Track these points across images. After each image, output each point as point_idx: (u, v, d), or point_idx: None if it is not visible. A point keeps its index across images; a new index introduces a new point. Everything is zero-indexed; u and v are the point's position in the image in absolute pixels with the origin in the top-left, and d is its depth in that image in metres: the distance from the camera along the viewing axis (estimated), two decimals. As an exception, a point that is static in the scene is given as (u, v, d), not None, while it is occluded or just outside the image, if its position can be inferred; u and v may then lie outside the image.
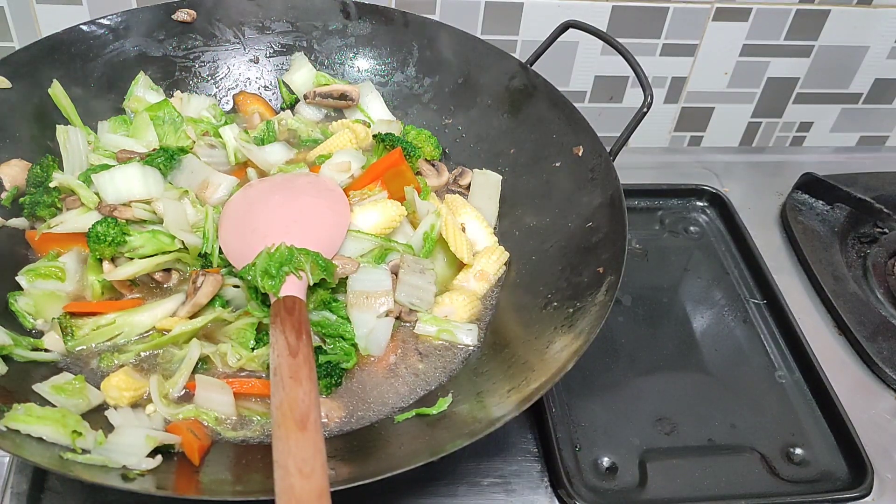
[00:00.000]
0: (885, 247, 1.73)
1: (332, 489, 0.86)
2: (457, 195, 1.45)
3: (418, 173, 1.45)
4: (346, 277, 1.22)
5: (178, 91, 1.54)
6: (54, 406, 1.04)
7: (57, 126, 1.35)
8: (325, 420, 1.14)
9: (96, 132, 1.42)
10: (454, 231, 1.32)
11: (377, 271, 1.25)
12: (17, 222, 1.29)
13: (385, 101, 1.59)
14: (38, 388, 1.06)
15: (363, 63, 1.62)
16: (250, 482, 1.02)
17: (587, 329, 1.11)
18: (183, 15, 1.52)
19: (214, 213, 1.27)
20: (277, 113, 1.59)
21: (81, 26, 1.44)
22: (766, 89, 1.93)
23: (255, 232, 1.23)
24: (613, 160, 1.32)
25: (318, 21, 1.60)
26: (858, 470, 1.31)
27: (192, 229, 1.26)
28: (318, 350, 1.17)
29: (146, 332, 1.19)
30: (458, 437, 1.01)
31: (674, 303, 1.59)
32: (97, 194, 1.26)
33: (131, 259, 1.22)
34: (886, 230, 1.76)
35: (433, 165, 1.49)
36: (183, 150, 1.35)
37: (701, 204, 1.81)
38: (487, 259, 1.34)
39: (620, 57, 1.34)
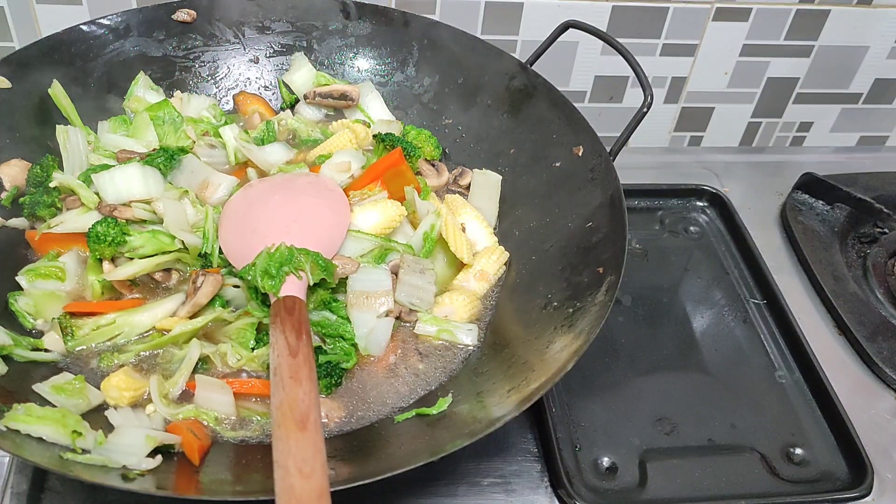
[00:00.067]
0: (885, 247, 1.73)
1: (332, 489, 0.86)
2: (457, 195, 1.45)
3: (418, 173, 1.45)
4: (346, 277, 1.22)
5: (178, 91, 1.54)
6: (54, 406, 1.04)
7: (57, 126, 1.35)
8: (325, 420, 1.14)
9: (96, 132, 1.42)
10: (454, 231, 1.32)
11: (377, 271, 1.25)
12: (17, 222, 1.29)
13: (385, 101, 1.60)
14: (38, 388, 1.06)
15: (363, 63, 1.62)
16: (250, 482, 1.02)
17: (587, 329, 1.11)
18: (183, 15, 1.52)
19: (214, 213, 1.27)
20: (277, 113, 1.59)
21: (81, 26, 1.44)
22: (766, 89, 1.93)
23: (255, 232, 1.23)
24: (613, 160, 1.32)
25: (318, 21, 1.60)
26: (858, 470, 1.31)
27: (192, 229, 1.26)
28: (318, 350, 1.17)
29: (146, 332, 1.19)
30: (458, 437, 1.01)
31: (674, 303, 1.59)
32: (97, 194, 1.26)
33: (131, 259, 1.22)
34: (886, 230, 1.76)
35: (433, 165, 1.49)
36: (183, 150, 1.35)
37: (701, 204, 1.81)
38: (487, 259, 1.34)
39: (620, 57, 1.34)
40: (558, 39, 1.46)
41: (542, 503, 1.25)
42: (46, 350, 1.15)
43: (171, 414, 1.09)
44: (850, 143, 2.09)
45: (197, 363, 1.15)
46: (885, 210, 1.72)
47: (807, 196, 1.81)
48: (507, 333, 1.26)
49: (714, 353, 1.49)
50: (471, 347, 1.25)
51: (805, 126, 2.03)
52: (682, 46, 1.81)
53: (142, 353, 1.17)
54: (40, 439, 0.98)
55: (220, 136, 1.43)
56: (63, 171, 1.32)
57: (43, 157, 1.32)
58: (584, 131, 1.37)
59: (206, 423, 1.10)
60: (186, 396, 1.13)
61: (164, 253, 1.22)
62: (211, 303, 1.20)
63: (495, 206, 1.45)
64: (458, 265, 1.35)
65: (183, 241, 1.23)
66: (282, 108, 1.61)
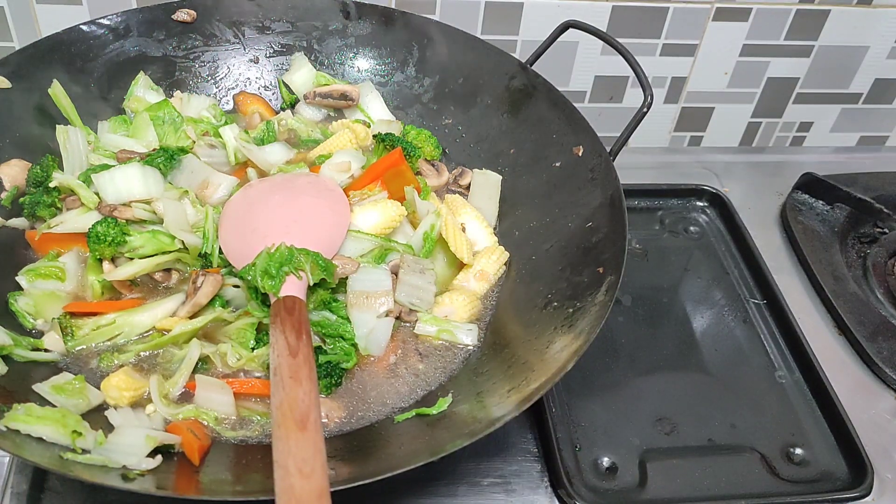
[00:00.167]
0: (885, 247, 1.73)
1: (332, 489, 0.86)
2: (457, 195, 1.45)
3: (418, 173, 1.45)
4: (346, 277, 1.22)
5: (178, 91, 1.54)
6: (54, 406, 1.04)
7: (57, 126, 1.35)
8: (325, 420, 1.14)
9: (96, 132, 1.42)
10: (454, 231, 1.32)
11: (377, 271, 1.25)
12: (17, 222, 1.29)
13: (385, 101, 1.60)
14: (38, 388, 1.06)
15: (363, 63, 1.62)
16: (250, 482, 1.02)
17: (587, 329, 1.11)
18: (183, 15, 1.52)
19: (214, 213, 1.27)
20: (277, 113, 1.59)
21: (81, 26, 1.44)
22: (766, 89, 1.93)
23: (255, 232, 1.23)
24: (613, 160, 1.32)
25: (318, 21, 1.60)
26: (858, 470, 1.31)
27: (192, 229, 1.26)
28: (318, 350, 1.17)
29: (146, 332, 1.19)
30: (458, 437, 1.01)
31: (674, 303, 1.59)
32: (97, 194, 1.26)
33: (131, 259, 1.22)
34: (886, 230, 1.76)
35: (433, 165, 1.49)
36: (183, 150, 1.35)
37: (701, 204, 1.81)
38: (487, 259, 1.34)
39: (620, 57, 1.34)
40: (558, 39, 1.46)
41: (542, 503, 1.25)
42: (46, 350, 1.15)
43: (171, 414, 1.09)
44: (850, 143, 2.09)
45: (197, 363, 1.15)
46: (885, 210, 1.72)
47: (807, 196, 1.81)
48: (507, 333, 1.26)
49: (714, 353, 1.49)
50: (471, 347, 1.25)
51: (805, 126, 2.03)
52: (682, 46, 1.81)
53: (142, 353, 1.17)
54: (40, 439, 0.98)
55: (220, 136, 1.43)
56: (63, 171, 1.32)
57: (43, 157, 1.32)
58: (584, 131, 1.37)
59: (206, 423, 1.10)
60: (186, 396, 1.13)
61: (164, 253, 1.22)
62: (211, 303, 1.20)
63: (495, 206, 1.45)
64: (458, 265, 1.35)
65: (183, 241, 1.23)
66: (282, 108, 1.61)
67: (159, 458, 1.00)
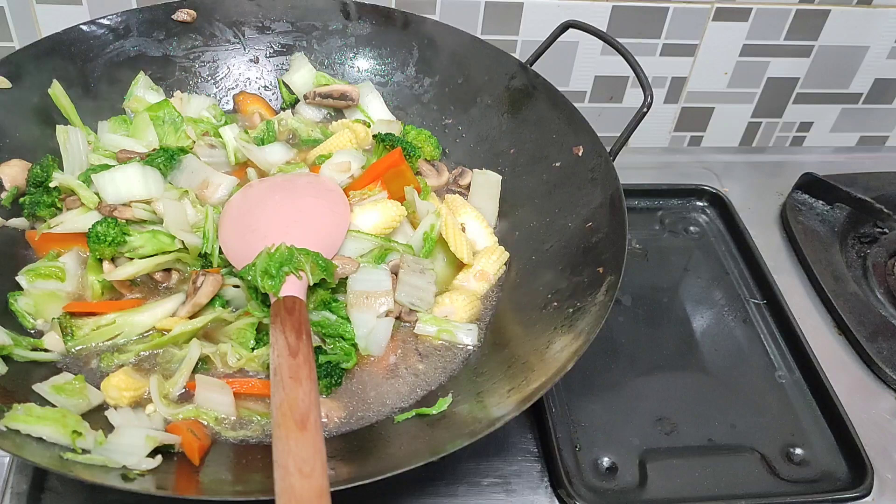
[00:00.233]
0: (885, 247, 1.73)
1: (332, 489, 0.86)
2: (457, 195, 1.45)
3: (418, 173, 1.45)
4: (346, 277, 1.22)
5: (178, 91, 1.54)
6: (54, 406, 1.04)
7: (57, 126, 1.35)
8: (325, 420, 1.14)
9: (96, 132, 1.42)
10: (454, 231, 1.32)
11: (377, 271, 1.25)
12: (17, 222, 1.29)
13: (385, 101, 1.59)
14: (38, 388, 1.06)
15: (363, 63, 1.62)
16: (250, 482, 1.02)
17: (587, 329, 1.11)
18: (183, 15, 1.52)
19: (214, 213, 1.27)
20: (277, 113, 1.59)
21: (81, 26, 1.44)
22: (766, 89, 1.93)
23: (255, 232, 1.23)
24: (613, 160, 1.32)
25: (318, 21, 1.60)
26: (858, 470, 1.31)
27: (192, 229, 1.26)
28: (318, 350, 1.17)
29: (146, 332, 1.19)
30: (458, 437, 1.01)
31: (674, 303, 1.59)
32: (97, 194, 1.26)
33: (131, 259, 1.22)
34: (886, 230, 1.76)
35: (433, 165, 1.49)
36: (183, 150, 1.35)
37: (701, 204, 1.81)
38: (487, 259, 1.34)
39: (620, 57, 1.34)
40: (558, 39, 1.46)
41: (542, 503, 1.25)
42: (46, 350, 1.15)
43: (171, 414, 1.09)
44: (850, 143, 2.09)
45: (197, 363, 1.15)
46: (885, 210, 1.72)
47: (807, 196, 1.81)
48: (507, 333, 1.26)
49: (714, 353, 1.49)
50: (471, 347, 1.25)
51: (805, 126, 2.03)
52: (682, 46, 1.81)
53: (142, 353, 1.17)
54: (40, 439, 0.98)
55: (220, 136, 1.43)
56: (63, 171, 1.32)
57: (43, 157, 1.32)
58: (584, 131, 1.37)
59: (206, 423, 1.10)
60: (186, 396, 1.13)
61: (164, 253, 1.22)
62: (211, 303, 1.20)
63: (495, 206, 1.45)
64: (458, 265, 1.35)
65: (183, 241, 1.23)
66: (282, 108, 1.61)
67: (159, 458, 1.00)
